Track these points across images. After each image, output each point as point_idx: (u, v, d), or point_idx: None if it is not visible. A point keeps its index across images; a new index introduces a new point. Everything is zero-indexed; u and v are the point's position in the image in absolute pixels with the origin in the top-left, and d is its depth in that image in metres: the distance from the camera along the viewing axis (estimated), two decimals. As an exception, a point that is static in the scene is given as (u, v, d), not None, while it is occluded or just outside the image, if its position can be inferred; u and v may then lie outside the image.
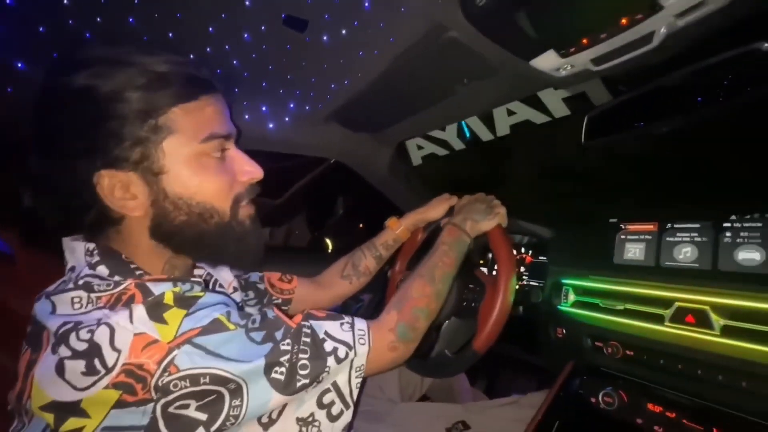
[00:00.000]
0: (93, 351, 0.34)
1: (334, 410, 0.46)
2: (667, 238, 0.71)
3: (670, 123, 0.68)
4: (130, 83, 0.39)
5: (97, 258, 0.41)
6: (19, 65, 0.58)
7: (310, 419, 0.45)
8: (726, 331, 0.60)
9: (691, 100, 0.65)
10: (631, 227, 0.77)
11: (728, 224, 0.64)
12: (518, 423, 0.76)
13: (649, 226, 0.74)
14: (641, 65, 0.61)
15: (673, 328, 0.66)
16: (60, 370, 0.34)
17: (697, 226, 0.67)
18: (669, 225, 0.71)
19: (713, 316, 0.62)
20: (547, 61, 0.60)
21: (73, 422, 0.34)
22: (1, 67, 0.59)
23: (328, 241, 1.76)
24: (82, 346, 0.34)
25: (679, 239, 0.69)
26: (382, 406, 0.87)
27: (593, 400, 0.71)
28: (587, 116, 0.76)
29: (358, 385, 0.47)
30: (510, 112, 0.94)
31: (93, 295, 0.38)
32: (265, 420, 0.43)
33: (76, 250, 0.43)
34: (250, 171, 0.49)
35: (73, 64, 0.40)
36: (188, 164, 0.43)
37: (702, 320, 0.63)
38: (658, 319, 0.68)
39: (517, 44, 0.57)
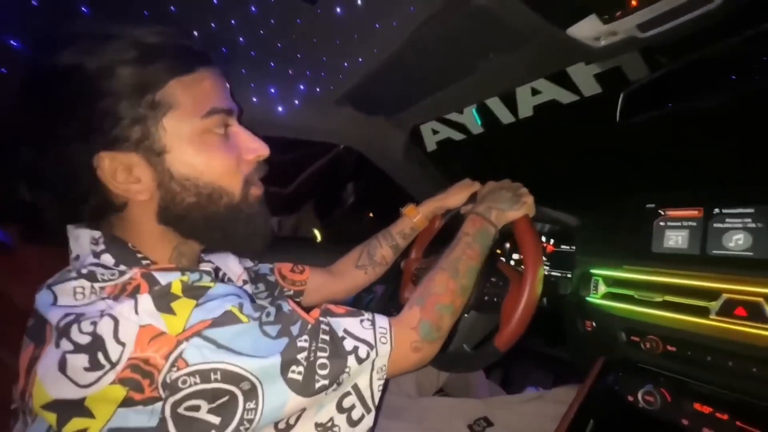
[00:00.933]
0: (96, 344, 0.32)
1: (355, 414, 0.43)
2: (715, 225, 0.65)
3: (718, 97, 0.62)
4: (120, 58, 0.37)
5: (102, 246, 0.39)
6: (13, 43, 0.55)
7: (330, 424, 0.42)
8: (783, 326, 0.55)
9: (742, 70, 0.59)
10: (672, 213, 0.71)
11: (788, 208, 0.58)
12: (545, 420, 0.72)
13: (693, 212, 0.68)
14: (691, 32, 0.54)
15: (720, 322, 0.61)
16: (62, 365, 0.32)
17: (751, 211, 0.61)
18: (717, 210, 0.65)
19: (768, 309, 0.56)
20: (586, 29, 0.54)
21: (76, 422, 0.31)
22: None
23: (339, 230, 1.73)
24: (84, 339, 0.32)
25: (729, 225, 0.63)
26: (399, 400, 0.84)
27: (631, 398, 0.67)
28: (623, 93, 0.69)
29: (380, 388, 0.44)
30: (534, 92, 0.88)
31: (96, 285, 0.36)
32: (282, 426, 0.40)
33: (81, 238, 0.41)
34: (256, 148, 0.46)
35: (58, 41, 0.37)
36: (191, 142, 0.41)
37: (755, 313, 0.57)
38: (702, 311, 0.63)
39: (555, 8, 0.51)
